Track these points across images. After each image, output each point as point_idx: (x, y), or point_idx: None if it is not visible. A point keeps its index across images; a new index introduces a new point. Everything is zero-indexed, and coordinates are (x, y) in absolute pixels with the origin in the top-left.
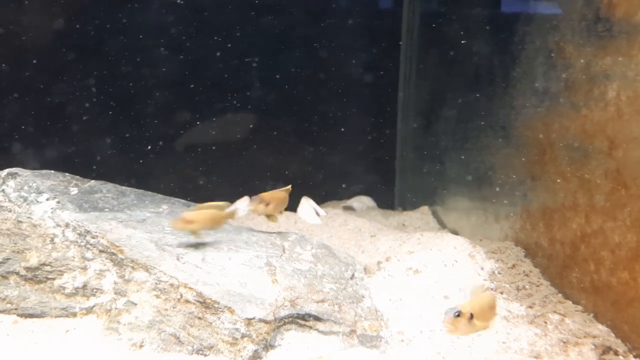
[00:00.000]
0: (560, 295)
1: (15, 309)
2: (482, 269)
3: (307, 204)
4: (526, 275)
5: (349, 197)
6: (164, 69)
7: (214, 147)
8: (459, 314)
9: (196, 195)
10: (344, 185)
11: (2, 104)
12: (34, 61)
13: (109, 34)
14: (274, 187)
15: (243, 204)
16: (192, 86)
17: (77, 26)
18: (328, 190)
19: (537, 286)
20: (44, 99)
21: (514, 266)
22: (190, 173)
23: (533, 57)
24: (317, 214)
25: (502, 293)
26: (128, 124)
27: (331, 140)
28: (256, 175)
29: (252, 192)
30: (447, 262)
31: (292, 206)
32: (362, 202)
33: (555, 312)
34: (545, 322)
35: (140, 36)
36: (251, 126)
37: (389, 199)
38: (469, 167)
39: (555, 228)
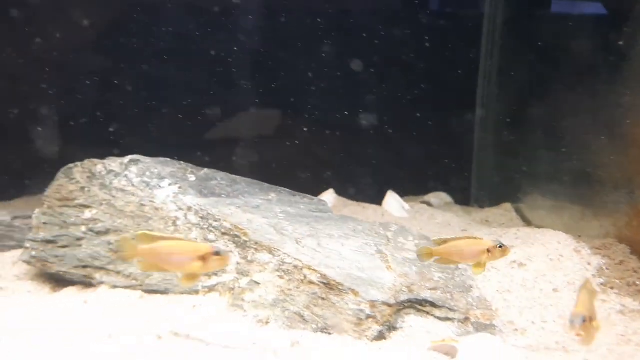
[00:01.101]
0: None
1: (141, 285)
2: (589, 264)
3: (392, 198)
4: (635, 272)
5: (425, 193)
6: None
7: (299, 141)
8: (585, 320)
9: (287, 185)
10: (420, 181)
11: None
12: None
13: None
14: (352, 183)
15: (329, 197)
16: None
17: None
18: (405, 186)
19: None
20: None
21: (621, 262)
22: (281, 164)
23: None
24: (403, 207)
25: (612, 288)
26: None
27: (409, 137)
28: (336, 169)
29: (332, 186)
30: (552, 257)
31: (378, 199)
32: (439, 197)
33: None
34: None
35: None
36: (338, 124)
37: (465, 195)
38: (563, 165)
39: None
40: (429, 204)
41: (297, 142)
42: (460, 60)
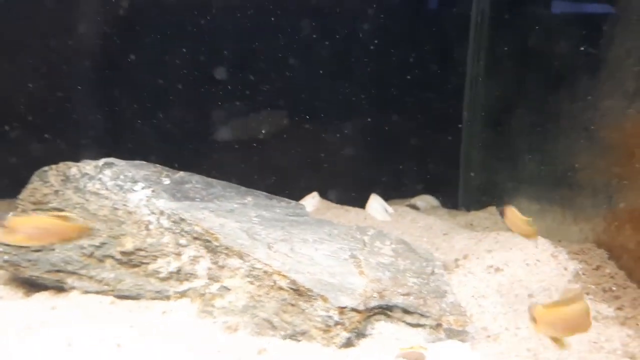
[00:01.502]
0: None
1: (112, 290)
2: (565, 269)
3: (375, 201)
4: (612, 277)
5: (412, 196)
6: None
7: (279, 143)
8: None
9: (271, 188)
10: (407, 184)
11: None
12: None
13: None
14: (338, 186)
15: (313, 200)
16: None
17: None
18: (391, 189)
19: (624, 288)
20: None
21: (598, 268)
22: (258, 166)
23: (623, 58)
24: (386, 211)
25: (587, 294)
26: None
27: (394, 138)
28: (321, 172)
29: (317, 189)
30: (529, 261)
31: (361, 203)
32: (426, 201)
33: None
34: (638, 324)
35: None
36: (317, 124)
37: (453, 198)
38: (545, 168)
39: None
40: (415, 207)
41: (281, 144)
42: (447, 62)
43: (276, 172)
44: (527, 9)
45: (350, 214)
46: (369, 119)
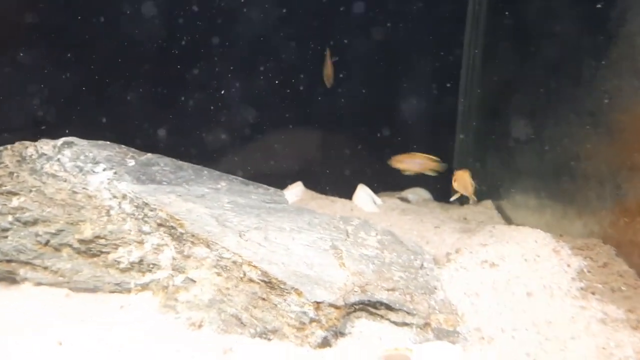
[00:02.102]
0: None
1: (68, 282)
2: (568, 265)
3: (363, 192)
4: (620, 276)
5: (403, 188)
6: None
7: (270, 135)
8: None
9: (252, 177)
10: (398, 176)
11: None
12: None
13: None
14: (326, 176)
15: (297, 189)
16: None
17: None
18: (382, 181)
19: (635, 288)
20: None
21: (605, 265)
22: (250, 157)
23: (635, 34)
24: (374, 202)
25: (593, 293)
26: None
27: (387, 129)
28: (309, 162)
29: (301, 178)
30: (528, 257)
31: (348, 194)
32: (417, 193)
33: None
34: None
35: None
36: (306, 114)
37: (445, 192)
38: (545, 158)
39: None
40: (405, 200)
41: (267, 133)
42: (443, 49)
43: (260, 162)
44: None
45: (336, 204)
46: (361, 109)
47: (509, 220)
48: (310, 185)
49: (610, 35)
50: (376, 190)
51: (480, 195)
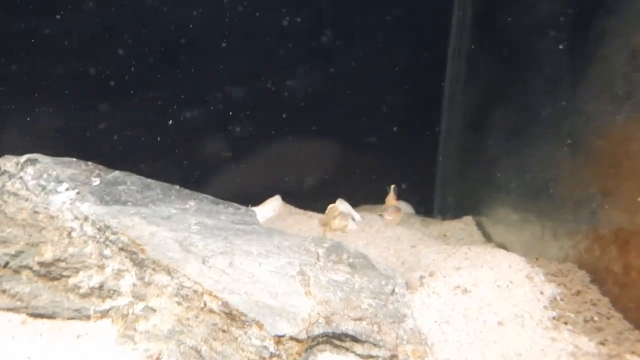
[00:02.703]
0: (637, 332)
1: (26, 307)
2: (541, 293)
3: (342, 207)
4: (594, 304)
5: (384, 201)
6: None
7: (245, 146)
8: None
9: (226, 193)
10: (380, 190)
11: None
12: None
13: None
14: (305, 187)
15: (274, 203)
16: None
17: None
18: (363, 195)
19: (608, 319)
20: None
21: (578, 293)
22: (225, 169)
23: (612, 57)
24: (353, 218)
25: (566, 323)
26: None
27: (369, 143)
28: (287, 174)
29: (281, 192)
30: (501, 283)
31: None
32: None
33: (633, 352)
34: None
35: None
36: (283, 123)
37: (428, 205)
38: (525, 177)
39: (632, 253)
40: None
41: (246, 144)
42: (426, 63)
43: (240, 175)
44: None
45: (313, 220)
46: (343, 120)
47: (488, 238)
48: (289, 199)
49: (589, 56)
50: (357, 203)
51: (461, 211)
